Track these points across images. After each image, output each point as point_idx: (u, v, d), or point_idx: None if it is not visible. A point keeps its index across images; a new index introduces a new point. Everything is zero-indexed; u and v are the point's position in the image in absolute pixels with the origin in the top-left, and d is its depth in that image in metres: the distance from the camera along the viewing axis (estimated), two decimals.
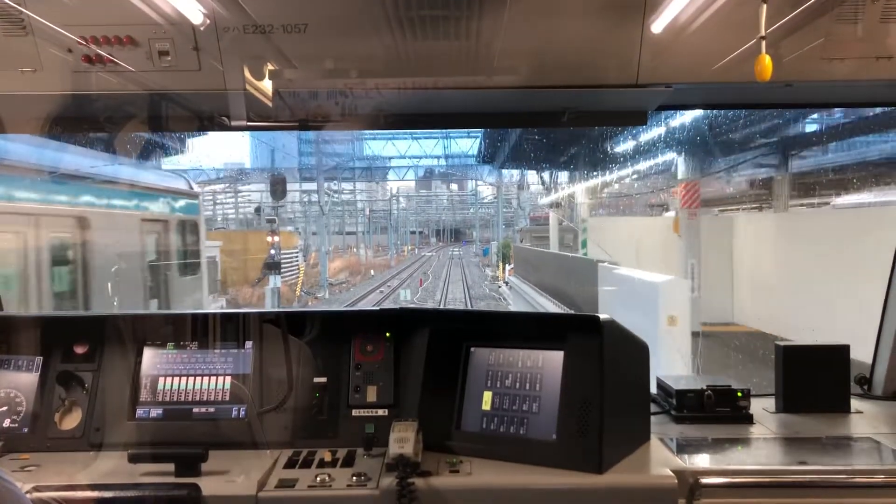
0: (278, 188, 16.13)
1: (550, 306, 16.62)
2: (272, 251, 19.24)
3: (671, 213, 18.89)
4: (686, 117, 15.86)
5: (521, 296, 21.13)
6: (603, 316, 2.25)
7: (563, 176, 30.14)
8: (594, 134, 20.60)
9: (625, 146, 20.99)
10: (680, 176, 17.27)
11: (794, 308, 13.20)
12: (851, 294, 9.34)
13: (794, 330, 11.81)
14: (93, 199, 9.19)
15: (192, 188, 12.46)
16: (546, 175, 33.57)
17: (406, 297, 27.62)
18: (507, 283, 26.77)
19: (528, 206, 47.11)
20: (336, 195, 43.20)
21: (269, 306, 17.66)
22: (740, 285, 16.77)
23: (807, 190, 17.63)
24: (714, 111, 14.51)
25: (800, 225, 15.58)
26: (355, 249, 51.74)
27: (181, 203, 11.47)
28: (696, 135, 16.70)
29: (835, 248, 12.35)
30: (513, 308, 20.84)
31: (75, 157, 9.11)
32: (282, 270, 20.31)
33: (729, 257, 17.00)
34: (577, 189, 26.81)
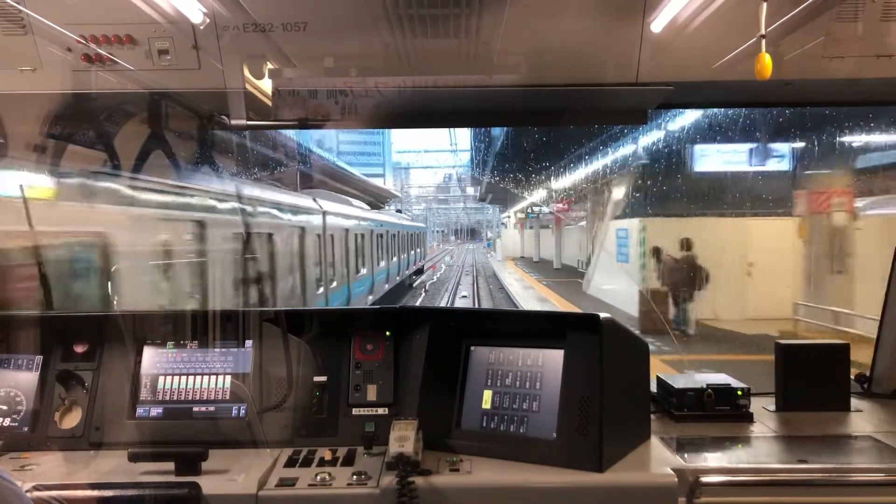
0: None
1: (495, 254, 42.06)
2: None
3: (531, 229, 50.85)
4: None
5: (495, 259, 51.28)
6: (603, 315, 2.24)
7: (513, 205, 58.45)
8: (529, 184, 37.92)
9: (531, 198, 40.64)
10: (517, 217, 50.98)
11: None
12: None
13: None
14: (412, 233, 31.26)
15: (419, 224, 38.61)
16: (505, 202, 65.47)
17: (449, 261, 55.18)
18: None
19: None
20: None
21: None
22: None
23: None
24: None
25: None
26: None
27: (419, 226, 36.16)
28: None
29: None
30: (493, 263, 47.15)
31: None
32: None
33: (558, 241, 41.02)
34: (511, 214, 59.92)
